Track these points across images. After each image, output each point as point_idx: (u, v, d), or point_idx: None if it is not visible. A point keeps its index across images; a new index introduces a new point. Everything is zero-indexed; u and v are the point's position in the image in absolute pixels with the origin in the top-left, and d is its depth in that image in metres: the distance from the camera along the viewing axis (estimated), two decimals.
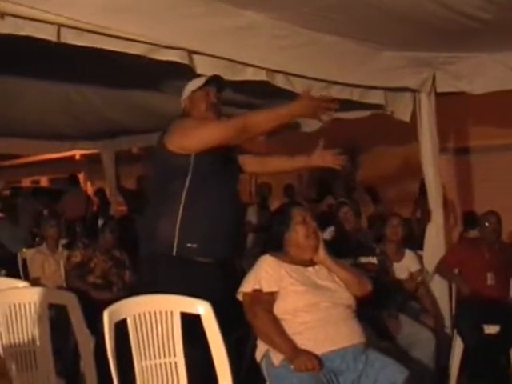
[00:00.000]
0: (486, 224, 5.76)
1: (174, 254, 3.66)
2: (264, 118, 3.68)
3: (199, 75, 4.10)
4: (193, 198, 3.72)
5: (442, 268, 5.78)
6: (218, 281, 3.78)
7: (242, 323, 3.75)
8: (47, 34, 3.52)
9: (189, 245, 3.67)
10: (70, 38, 3.62)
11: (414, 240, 6.98)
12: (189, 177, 3.72)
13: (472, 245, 5.93)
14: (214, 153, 3.68)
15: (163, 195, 3.80)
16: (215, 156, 3.71)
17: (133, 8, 3.74)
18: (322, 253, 3.84)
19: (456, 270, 5.76)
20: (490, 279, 5.54)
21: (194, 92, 3.98)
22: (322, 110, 3.60)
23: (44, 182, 24.33)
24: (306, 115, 3.71)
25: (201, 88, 3.96)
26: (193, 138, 3.68)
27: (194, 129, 3.72)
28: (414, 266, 5.67)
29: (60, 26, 3.53)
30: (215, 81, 4.00)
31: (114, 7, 3.66)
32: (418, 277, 5.49)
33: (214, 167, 3.76)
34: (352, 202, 5.83)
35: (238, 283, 3.76)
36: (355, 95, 5.40)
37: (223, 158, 3.81)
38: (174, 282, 3.55)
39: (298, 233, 3.84)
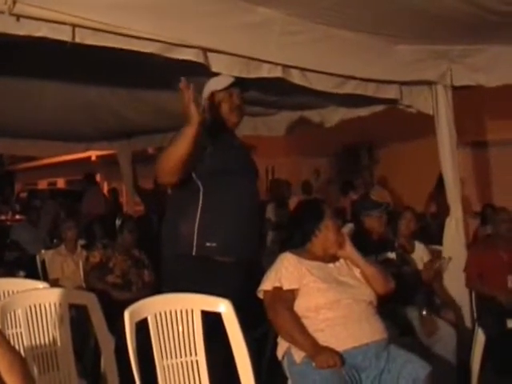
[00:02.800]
0: (500, 223, 5.72)
1: (194, 253, 3.67)
2: (176, 146, 3.51)
3: (215, 73, 4.09)
4: (210, 199, 3.72)
5: (473, 285, 5.70)
6: (239, 280, 3.76)
7: (263, 322, 3.74)
8: (63, 34, 3.52)
9: (208, 244, 3.67)
10: (85, 38, 3.61)
11: (430, 235, 6.95)
12: (198, 182, 3.73)
13: (488, 247, 5.84)
14: (217, 154, 3.70)
15: (181, 197, 3.82)
16: (224, 157, 3.74)
17: (147, 7, 3.73)
18: (349, 247, 3.83)
19: None
20: (511, 282, 5.49)
21: (215, 93, 3.96)
22: (185, 101, 3.43)
23: (61, 183, 24.46)
24: (188, 114, 3.44)
25: (224, 89, 3.95)
26: None
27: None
28: (426, 257, 5.66)
29: (75, 26, 3.52)
30: (239, 82, 3.99)
31: (128, 6, 3.66)
32: (436, 263, 5.44)
33: (227, 168, 3.76)
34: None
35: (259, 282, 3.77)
36: (370, 90, 5.37)
37: (235, 157, 3.83)
38: (195, 281, 3.55)
39: (330, 228, 3.85)
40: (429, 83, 5.72)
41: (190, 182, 3.72)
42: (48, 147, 10.19)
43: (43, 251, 7.16)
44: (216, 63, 4.18)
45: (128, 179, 10.55)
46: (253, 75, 4.43)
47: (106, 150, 11.79)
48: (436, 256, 5.61)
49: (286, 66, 4.57)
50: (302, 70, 4.72)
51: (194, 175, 3.72)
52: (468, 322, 5.66)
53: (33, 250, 8.44)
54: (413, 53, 5.33)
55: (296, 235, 3.99)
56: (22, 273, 6.33)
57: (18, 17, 3.32)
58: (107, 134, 9.50)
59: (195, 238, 3.68)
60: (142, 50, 3.83)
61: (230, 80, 3.97)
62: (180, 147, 3.47)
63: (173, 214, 3.90)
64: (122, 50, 3.77)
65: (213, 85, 3.99)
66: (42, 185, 24.37)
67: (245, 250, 3.79)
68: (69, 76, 5.94)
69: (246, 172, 3.95)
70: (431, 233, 7.86)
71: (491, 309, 5.37)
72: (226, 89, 3.94)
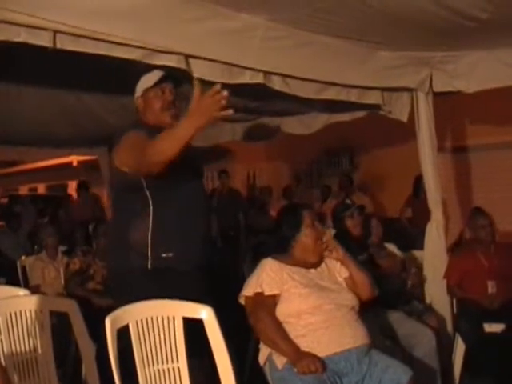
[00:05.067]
0: (479, 228, 5.75)
1: (150, 266, 3.51)
2: (169, 145, 3.13)
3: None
4: (160, 207, 3.54)
5: (453, 291, 5.71)
6: (200, 288, 3.62)
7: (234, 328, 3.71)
8: (43, 40, 3.51)
9: (164, 255, 3.52)
10: (66, 44, 3.60)
11: (408, 239, 6.99)
12: (147, 191, 3.53)
13: (468, 253, 5.85)
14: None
15: (128, 209, 3.62)
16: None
17: (128, 13, 3.72)
18: (341, 251, 3.83)
19: None
20: (491, 287, 5.50)
21: (147, 90, 3.75)
22: (216, 107, 2.95)
23: (41, 189, 24.35)
24: (205, 122, 3.02)
25: (155, 85, 3.72)
26: (130, 163, 3.38)
27: (131, 149, 3.38)
28: (399, 255, 5.73)
29: (56, 32, 3.51)
30: (171, 76, 3.78)
31: (109, 12, 3.65)
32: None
33: (171, 174, 3.38)
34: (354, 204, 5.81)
35: (221, 289, 3.74)
36: (353, 96, 5.40)
37: (178, 162, 3.35)
38: (152, 295, 3.33)
39: (308, 236, 3.85)
40: (409, 89, 5.75)
41: (137, 191, 3.53)
42: (28, 152, 10.13)
43: (24, 257, 7.12)
44: (198, 69, 4.18)
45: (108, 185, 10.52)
46: (234, 81, 4.43)
47: (86, 156, 11.76)
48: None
49: (267, 73, 4.58)
50: (284, 76, 4.74)
51: (144, 184, 3.51)
52: (449, 327, 5.69)
53: (13, 255, 8.41)
54: (394, 59, 5.35)
55: (276, 241, 3.99)
56: (2, 279, 6.30)
57: None
58: (88, 140, 9.47)
59: (149, 249, 3.50)
60: (124, 56, 3.83)
61: (160, 74, 3.75)
62: (173, 148, 3.12)
63: (120, 222, 3.71)
64: (103, 55, 3.77)
65: (144, 82, 3.77)
66: (23, 190, 24.24)
67: (199, 257, 3.65)
68: (48, 81, 5.91)
69: (193, 176, 3.77)
70: (407, 237, 7.92)
71: (469, 314, 5.39)
72: (157, 84, 3.72)
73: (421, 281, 5.67)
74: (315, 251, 3.84)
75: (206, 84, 3.41)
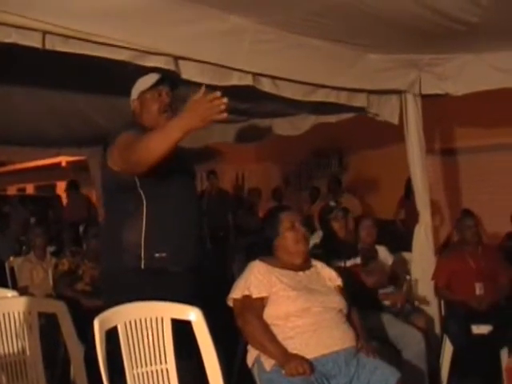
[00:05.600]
0: (465, 229, 5.78)
1: (143, 266, 3.51)
2: (156, 144, 3.12)
3: (187, 81, 4.07)
4: (153, 208, 3.53)
5: (441, 293, 5.75)
6: (191, 288, 3.63)
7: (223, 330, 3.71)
8: (33, 40, 3.51)
9: (157, 255, 3.51)
10: (56, 45, 3.61)
11: (400, 241, 7.01)
12: (140, 191, 3.52)
13: (456, 255, 5.88)
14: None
15: (121, 209, 3.61)
16: (160, 164, 3.29)
17: (118, 14, 3.73)
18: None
19: None
20: (479, 289, 5.52)
21: (144, 92, 3.72)
22: (213, 112, 2.97)
23: (30, 189, 24.27)
24: (198, 124, 3.03)
25: (152, 88, 3.70)
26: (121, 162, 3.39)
27: (123, 149, 3.35)
28: (389, 259, 5.74)
29: (45, 32, 3.52)
30: (168, 78, 3.77)
31: (99, 14, 3.65)
32: (404, 286, 5.48)
33: (163, 174, 3.48)
34: (340, 205, 5.80)
35: (211, 290, 3.74)
36: (342, 98, 5.41)
37: (170, 163, 3.39)
38: (146, 295, 3.33)
39: (287, 239, 3.86)
40: (398, 92, 5.77)
41: (130, 191, 3.53)
42: (17, 152, 10.07)
43: (12, 258, 7.10)
44: (187, 71, 4.19)
45: (98, 185, 10.49)
46: (223, 83, 4.44)
47: (76, 156, 11.73)
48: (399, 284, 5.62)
49: (256, 74, 4.59)
50: (273, 78, 4.75)
51: (137, 183, 3.51)
52: (437, 328, 5.71)
53: (1, 256, 8.37)
54: (383, 62, 5.38)
55: (260, 243, 4.01)
56: None
57: None
58: (77, 140, 9.46)
59: (142, 249, 3.49)
60: (113, 57, 3.84)
61: (157, 77, 3.72)
62: (159, 149, 3.11)
63: (113, 223, 3.70)
64: (92, 56, 3.77)
65: (141, 84, 3.74)
66: (11, 190, 24.15)
67: (191, 257, 3.65)
68: (38, 81, 5.91)
69: (185, 177, 3.77)
70: (401, 239, 7.92)
71: (457, 316, 5.42)
72: (154, 87, 3.70)
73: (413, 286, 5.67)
74: (297, 253, 3.85)
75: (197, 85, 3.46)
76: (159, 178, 3.46)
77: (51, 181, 20.73)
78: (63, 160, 16.81)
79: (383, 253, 5.77)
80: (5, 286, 5.61)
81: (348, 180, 11.76)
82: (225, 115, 2.97)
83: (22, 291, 5.70)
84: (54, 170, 17.92)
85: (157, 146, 3.12)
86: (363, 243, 5.68)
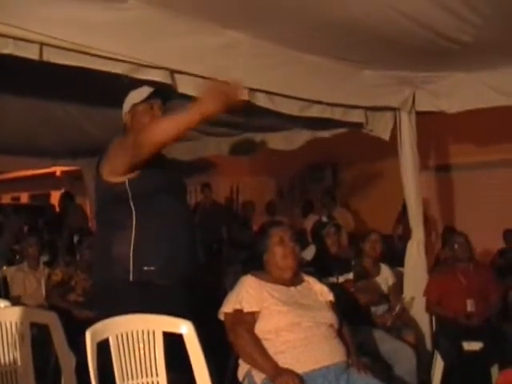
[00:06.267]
0: (456, 246, 5.81)
1: (131, 278, 3.51)
2: (174, 125, 3.28)
3: (182, 95, 4.08)
4: (143, 221, 3.54)
5: (433, 309, 5.77)
6: (180, 302, 3.61)
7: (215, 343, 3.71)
8: (30, 52, 3.52)
9: (146, 268, 3.51)
10: (53, 57, 3.61)
11: (396, 257, 7.01)
12: (131, 202, 3.53)
13: (447, 272, 5.92)
14: (148, 174, 3.50)
15: (111, 221, 3.62)
16: (151, 176, 3.51)
17: (115, 27, 3.74)
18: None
19: None
20: (470, 306, 5.53)
21: (136, 105, 3.74)
22: (232, 96, 3.14)
23: (24, 198, 24.20)
24: (218, 109, 3.16)
25: (144, 101, 3.72)
26: (119, 161, 3.48)
27: (120, 149, 3.49)
28: (391, 279, 5.74)
29: (42, 44, 3.52)
30: (160, 92, 3.79)
31: (96, 26, 3.66)
32: (396, 307, 5.46)
33: (155, 187, 3.56)
34: (333, 220, 5.82)
35: (202, 303, 3.74)
36: (337, 114, 5.44)
37: (162, 175, 3.60)
38: (134, 308, 3.33)
39: (276, 254, 3.87)
40: (392, 108, 5.80)
41: (122, 203, 3.55)
42: (11, 162, 10.05)
43: (5, 268, 7.08)
44: (183, 85, 4.20)
45: (92, 195, 10.49)
46: None
47: (70, 167, 11.73)
48: (393, 303, 5.61)
49: (252, 90, 4.61)
50: (269, 93, 4.77)
51: (129, 194, 3.53)
52: (428, 344, 5.72)
53: None
54: (378, 78, 5.41)
55: (255, 257, 4.03)
56: None
57: None
58: (72, 151, 9.47)
59: (131, 262, 3.50)
60: (109, 70, 3.84)
61: (149, 90, 3.75)
62: (178, 130, 3.27)
63: (103, 235, 3.70)
64: (89, 68, 3.78)
65: (133, 97, 3.77)
66: (5, 199, 24.08)
67: (182, 271, 3.64)
68: (33, 91, 5.92)
69: (176, 190, 3.77)
70: (397, 255, 7.94)
71: (448, 332, 5.43)
72: (146, 100, 3.72)
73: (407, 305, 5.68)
74: (286, 268, 3.86)
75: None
76: (150, 191, 3.49)
77: (45, 190, 20.66)
78: (58, 169, 16.78)
79: (386, 273, 5.77)
80: None
81: (342, 194, 11.76)
82: (243, 97, 3.02)
83: (15, 301, 5.70)
84: (49, 179, 17.87)
85: (177, 126, 3.27)
86: (366, 257, 5.69)
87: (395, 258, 6.53)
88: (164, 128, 3.31)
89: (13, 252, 9.43)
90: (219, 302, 3.86)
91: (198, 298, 3.79)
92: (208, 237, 9.74)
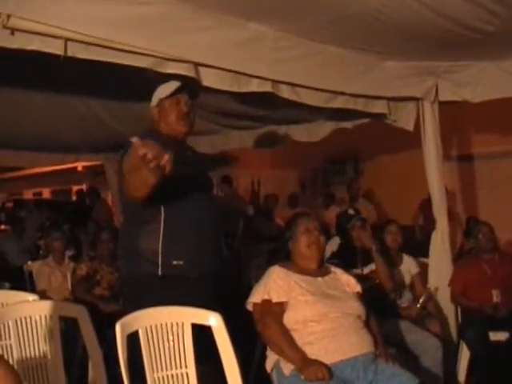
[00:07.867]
0: (480, 236, 5.78)
1: (160, 273, 3.51)
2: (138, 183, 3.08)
3: (207, 88, 4.08)
4: (170, 216, 3.54)
5: (458, 300, 5.75)
6: (208, 295, 3.63)
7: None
8: (54, 48, 3.54)
9: (175, 262, 3.52)
10: (77, 52, 3.63)
11: (417, 247, 6.99)
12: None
13: (472, 262, 5.90)
14: (175, 170, 3.10)
15: (139, 215, 3.57)
16: (178, 171, 3.15)
17: (139, 21, 3.75)
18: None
19: None
20: (496, 296, 5.52)
21: (162, 100, 3.73)
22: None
23: (46, 193, 24.37)
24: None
25: (171, 95, 3.71)
26: None
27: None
28: (414, 269, 5.72)
29: (67, 40, 3.54)
30: (187, 87, 3.75)
31: (120, 21, 3.67)
32: (421, 298, 5.44)
33: (183, 183, 3.45)
34: (358, 213, 5.76)
35: (232, 296, 3.74)
36: (360, 105, 5.43)
37: (188, 170, 3.51)
38: (162, 301, 3.34)
39: (300, 242, 3.91)
40: (415, 99, 5.78)
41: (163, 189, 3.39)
42: (36, 158, 10.06)
43: (30, 262, 7.14)
44: (207, 78, 4.21)
45: (115, 190, 10.53)
46: (243, 90, 4.48)
47: (93, 162, 11.78)
48: (418, 294, 5.58)
49: (275, 81, 4.61)
50: (292, 85, 4.77)
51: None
52: (454, 335, 5.70)
53: (17, 260, 8.41)
54: (400, 69, 5.39)
55: (280, 249, 4.05)
56: (7, 284, 6.30)
57: (13, 30, 3.34)
58: (94, 146, 9.51)
59: (160, 256, 3.50)
60: (134, 64, 3.85)
61: (176, 85, 3.72)
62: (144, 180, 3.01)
63: (130, 230, 3.68)
64: (113, 63, 3.80)
65: (160, 92, 3.76)
66: (28, 195, 24.26)
67: (209, 264, 3.66)
68: (57, 87, 5.96)
69: (202, 184, 3.78)
70: (418, 245, 7.90)
71: (474, 322, 5.41)
72: (173, 95, 3.70)
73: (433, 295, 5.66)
74: (310, 257, 3.88)
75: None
76: (177, 186, 3.47)
77: (67, 185, 20.80)
78: (79, 165, 16.87)
79: (408, 263, 5.74)
80: (20, 290, 5.62)
81: (363, 186, 11.73)
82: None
83: (41, 295, 5.73)
84: (71, 174, 17.99)
85: (139, 185, 3.10)
86: (389, 248, 5.67)
87: (416, 249, 6.52)
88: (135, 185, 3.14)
89: (37, 247, 9.51)
90: (243, 295, 3.88)
91: (224, 290, 3.80)
92: (228, 229, 9.75)
